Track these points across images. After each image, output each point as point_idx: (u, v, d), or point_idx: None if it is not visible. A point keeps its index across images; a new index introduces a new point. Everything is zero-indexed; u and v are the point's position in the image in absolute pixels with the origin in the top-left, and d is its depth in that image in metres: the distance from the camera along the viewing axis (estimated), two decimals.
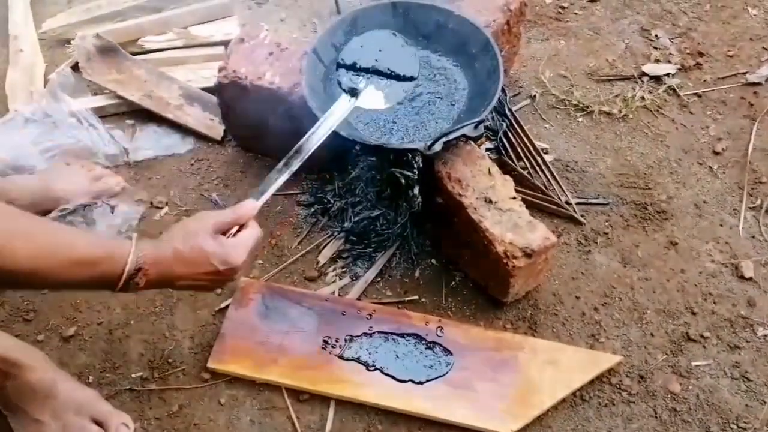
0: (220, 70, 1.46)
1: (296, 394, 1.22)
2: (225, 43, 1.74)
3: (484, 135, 1.49)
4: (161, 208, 1.50)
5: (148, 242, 1.00)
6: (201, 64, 1.77)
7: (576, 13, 1.92)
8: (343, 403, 1.21)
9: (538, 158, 1.51)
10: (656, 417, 1.20)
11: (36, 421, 1.12)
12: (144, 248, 0.98)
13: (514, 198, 1.27)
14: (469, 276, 1.37)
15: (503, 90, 1.38)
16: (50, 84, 1.69)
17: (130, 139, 1.62)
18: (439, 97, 1.38)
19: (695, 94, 1.71)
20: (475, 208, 1.24)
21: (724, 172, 1.54)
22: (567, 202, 1.47)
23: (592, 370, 1.22)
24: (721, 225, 1.45)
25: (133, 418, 1.18)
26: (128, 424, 1.16)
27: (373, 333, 1.26)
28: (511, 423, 1.16)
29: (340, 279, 1.38)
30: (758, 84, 1.72)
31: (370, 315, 1.29)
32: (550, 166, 1.51)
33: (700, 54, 1.79)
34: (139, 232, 1.46)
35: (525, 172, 1.49)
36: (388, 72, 1.33)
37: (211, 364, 1.24)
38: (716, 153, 1.58)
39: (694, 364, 1.25)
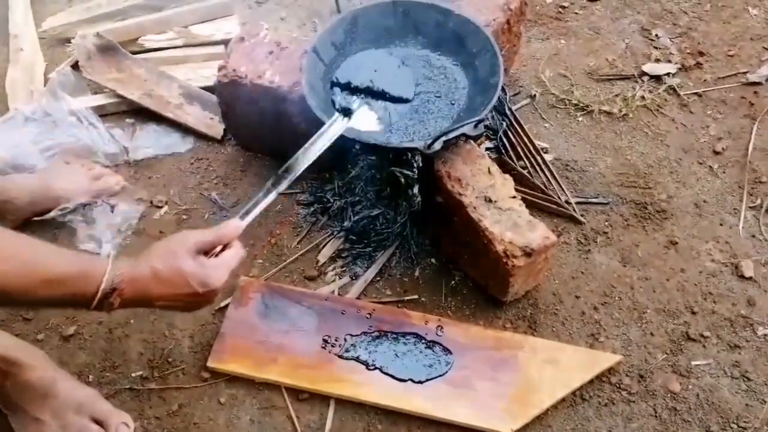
0: (220, 69, 1.46)
1: (296, 393, 1.22)
2: (225, 42, 1.74)
3: (484, 134, 1.49)
4: (161, 207, 1.50)
5: (125, 261, 0.98)
6: (201, 63, 1.77)
7: (576, 13, 1.92)
8: (342, 403, 1.21)
9: (538, 157, 1.51)
10: (656, 416, 1.20)
11: (36, 420, 1.12)
12: (121, 267, 0.95)
13: (514, 197, 1.27)
14: (468, 275, 1.37)
15: (503, 89, 1.38)
16: (50, 83, 1.68)
17: (130, 138, 1.62)
18: (438, 96, 1.38)
19: (695, 93, 1.70)
20: (474, 207, 1.24)
21: (724, 172, 1.54)
22: (567, 202, 1.47)
23: (591, 369, 1.22)
24: (721, 224, 1.45)
25: (132, 417, 1.18)
26: (128, 423, 1.16)
27: (373, 332, 1.26)
28: (510, 422, 1.16)
29: (340, 278, 1.38)
30: (758, 84, 1.71)
31: (369, 314, 1.29)
32: (550, 166, 1.51)
33: (701, 53, 1.79)
34: (139, 231, 1.46)
35: (525, 172, 1.49)
36: (383, 93, 1.33)
37: (210, 364, 1.24)
38: (716, 152, 1.58)
39: (694, 363, 1.25)
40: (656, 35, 1.84)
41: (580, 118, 1.65)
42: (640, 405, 1.21)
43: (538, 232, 1.22)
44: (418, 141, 1.29)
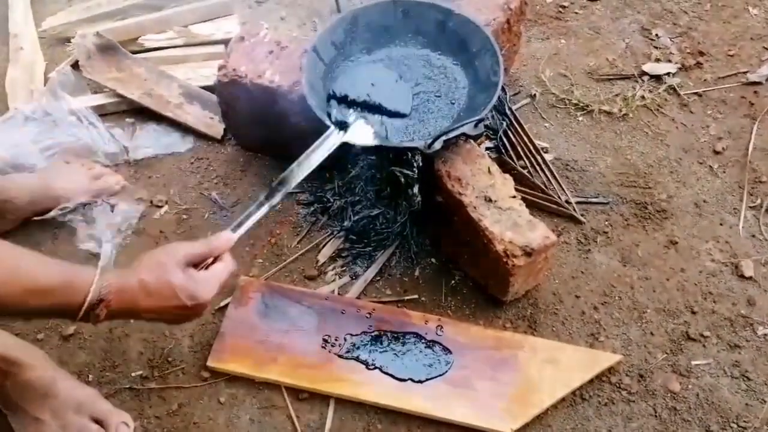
0: (220, 68, 1.46)
1: (296, 392, 1.22)
2: (225, 42, 1.74)
3: (484, 134, 1.49)
4: (161, 206, 1.50)
5: (113, 272, 0.96)
6: (201, 62, 1.77)
7: (576, 13, 1.92)
8: (342, 402, 1.21)
9: (538, 157, 1.51)
10: (656, 416, 1.20)
11: (36, 419, 1.12)
12: (108, 278, 0.94)
13: (514, 197, 1.27)
14: (468, 275, 1.37)
15: (503, 89, 1.38)
16: (50, 82, 1.68)
17: (130, 137, 1.62)
18: (438, 96, 1.38)
19: (695, 93, 1.70)
20: (474, 207, 1.24)
21: (724, 172, 1.54)
22: (567, 201, 1.47)
23: (591, 369, 1.22)
24: (721, 224, 1.45)
25: (132, 417, 1.18)
26: (128, 422, 1.16)
27: (373, 332, 1.26)
28: (510, 422, 1.16)
29: (340, 278, 1.38)
30: (759, 83, 1.71)
31: (369, 314, 1.29)
32: (550, 165, 1.51)
33: (701, 53, 1.79)
34: (139, 230, 1.46)
35: (525, 171, 1.49)
36: (379, 107, 1.32)
37: (210, 363, 1.24)
38: (716, 152, 1.58)
39: (693, 363, 1.25)
40: (656, 35, 1.84)
41: (580, 118, 1.65)
42: (640, 405, 1.21)
43: (538, 232, 1.22)
44: (418, 140, 1.29)
